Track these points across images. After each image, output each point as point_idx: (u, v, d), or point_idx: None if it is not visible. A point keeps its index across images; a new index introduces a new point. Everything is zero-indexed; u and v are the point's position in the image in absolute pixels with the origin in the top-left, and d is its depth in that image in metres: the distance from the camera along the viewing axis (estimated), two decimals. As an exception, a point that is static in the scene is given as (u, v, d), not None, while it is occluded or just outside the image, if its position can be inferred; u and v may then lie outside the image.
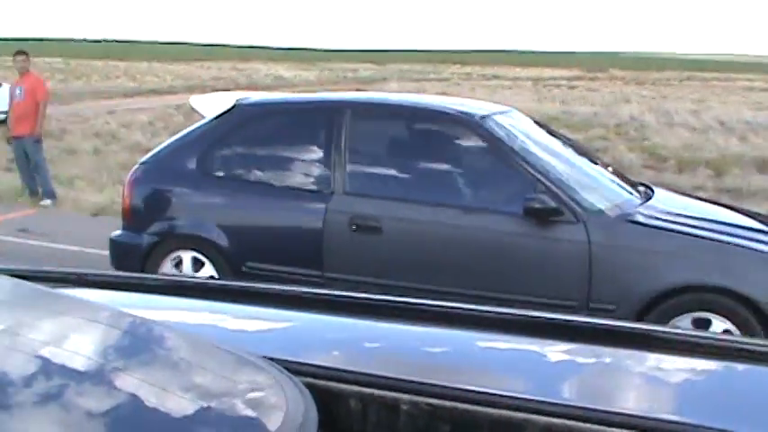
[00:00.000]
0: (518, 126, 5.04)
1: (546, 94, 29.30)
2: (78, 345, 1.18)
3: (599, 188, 4.75)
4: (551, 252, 4.38)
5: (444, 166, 4.85)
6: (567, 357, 1.52)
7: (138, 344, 1.24)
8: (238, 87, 30.47)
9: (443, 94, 25.32)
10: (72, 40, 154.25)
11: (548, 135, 5.34)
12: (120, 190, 10.41)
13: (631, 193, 4.86)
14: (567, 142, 5.50)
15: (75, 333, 1.25)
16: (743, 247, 4.24)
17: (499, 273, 4.44)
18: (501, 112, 5.14)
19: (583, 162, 5.15)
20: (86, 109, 23.13)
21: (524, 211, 4.33)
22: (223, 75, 46.04)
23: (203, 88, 27.47)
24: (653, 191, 5.11)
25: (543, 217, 4.35)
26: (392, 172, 4.90)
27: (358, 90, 26.63)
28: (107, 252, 5.45)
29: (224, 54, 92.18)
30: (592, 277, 4.27)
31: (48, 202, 9.46)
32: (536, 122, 5.54)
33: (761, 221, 4.77)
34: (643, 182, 5.54)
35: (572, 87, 35.01)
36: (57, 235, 7.96)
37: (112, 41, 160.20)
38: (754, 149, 14.53)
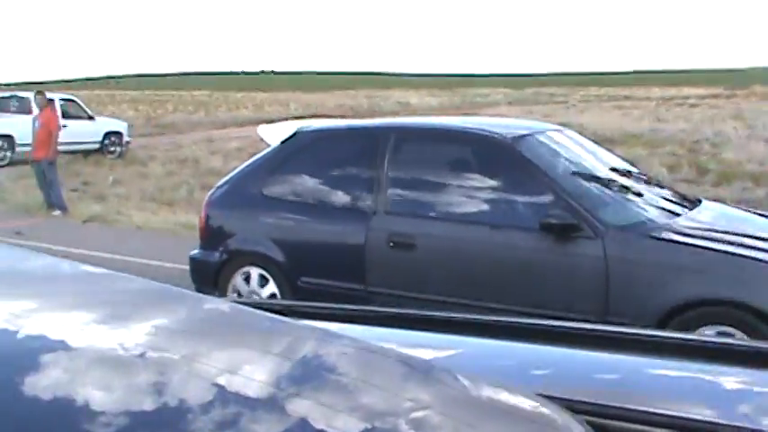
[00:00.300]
0: (560, 144, 5.33)
1: (654, 114, 28.51)
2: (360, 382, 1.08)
3: (630, 203, 4.91)
4: (571, 266, 4.57)
5: (474, 185, 5.06)
6: (740, 381, 1.50)
7: (417, 382, 1.13)
8: (356, 115, 31.49)
9: (546, 116, 25.32)
10: (230, 73, 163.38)
11: (593, 153, 5.58)
12: (155, 207, 11.86)
13: (669, 209, 4.99)
14: (614, 160, 5.70)
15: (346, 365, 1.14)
16: (761, 260, 4.25)
17: (520, 286, 4.67)
18: (542, 131, 5.43)
19: (623, 178, 5.30)
20: (188, 138, 24.78)
21: (540, 226, 4.57)
22: (350, 102, 47.49)
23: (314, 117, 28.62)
24: (698, 204, 5.26)
25: (562, 232, 4.55)
26: (427, 192, 5.19)
27: (465, 114, 27.05)
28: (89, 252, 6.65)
29: (372, 82, 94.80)
30: (608, 291, 4.43)
31: (58, 212, 11.08)
32: (590, 140, 5.90)
33: None
34: (692, 196, 5.70)
35: (693, 106, 33.73)
36: (48, 238, 9.04)
37: (270, 72, 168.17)
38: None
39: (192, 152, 19.96)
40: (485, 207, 4.95)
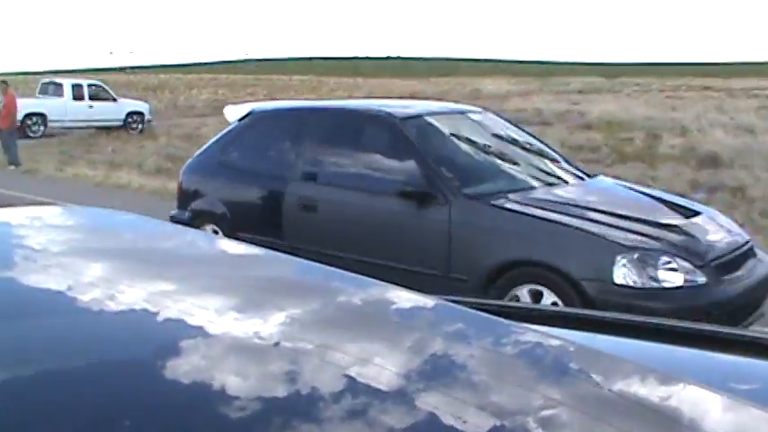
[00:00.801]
0: (457, 126, 6.24)
1: (685, 104, 28.61)
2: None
3: (493, 177, 5.66)
4: (423, 228, 5.28)
5: (363, 158, 5.95)
6: None
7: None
8: (418, 98, 32.87)
9: (574, 103, 26.24)
10: (353, 58, 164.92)
11: (498, 134, 6.39)
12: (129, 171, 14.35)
13: (547, 181, 5.71)
14: (519, 141, 6.43)
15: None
16: (578, 228, 4.78)
17: (386, 244, 5.46)
18: (440, 113, 6.39)
19: (506, 156, 6.03)
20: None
21: (400, 193, 5.34)
22: (428, 90, 48.69)
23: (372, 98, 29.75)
24: (587, 179, 6.02)
25: (418, 199, 5.29)
26: (328, 163, 6.04)
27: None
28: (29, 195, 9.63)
29: (484, 70, 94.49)
30: (450, 251, 5.09)
31: (11, 167, 15.66)
32: (509, 123, 6.81)
33: (672, 209, 5.40)
34: (589, 172, 6.36)
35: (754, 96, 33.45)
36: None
37: (396, 58, 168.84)
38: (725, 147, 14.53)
39: (209, 130, 22.16)
40: (368, 176, 5.73)
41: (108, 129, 22.59)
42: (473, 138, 6.17)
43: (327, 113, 6.69)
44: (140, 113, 23.36)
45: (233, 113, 7.13)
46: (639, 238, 4.74)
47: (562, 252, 4.74)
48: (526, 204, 5.11)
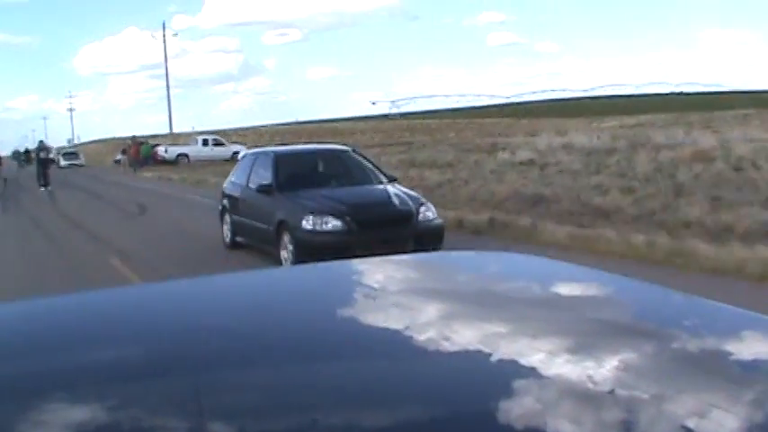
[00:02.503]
0: (315, 159, 12.12)
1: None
2: None
3: (305, 183, 10.62)
4: (265, 202, 10.63)
5: (260, 172, 11.42)
6: None
7: None
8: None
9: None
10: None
11: (344, 162, 11.80)
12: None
13: (337, 184, 10.84)
14: (354, 165, 11.71)
15: None
16: (302, 204, 9.83)
17: (256, 212, 10.93)
18: (313, 150, 13.35)
19: (333, 172, 11.39)
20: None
21: (257, 188, 10.89)
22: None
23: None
24: (387, 182, 11.00)
25: (267, 192, 10.61)
26: (251, 177, 11.56)
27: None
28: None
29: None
30: (271, 216, 10.22)
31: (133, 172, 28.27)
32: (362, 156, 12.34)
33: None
34: (390, 176, 11.50)
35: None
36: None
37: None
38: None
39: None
40: (258, 181, 11.09)
41: (221, 160, 40.10)
42: (314, 165, 11.70)
43: (257, 154, 12.85)
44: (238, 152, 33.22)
45: (242, 153, 14.48)
46: (321, 207, 9.64)
47: (290, 214, 9.84)
48: (298, 196, 10.17)
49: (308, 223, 9.48)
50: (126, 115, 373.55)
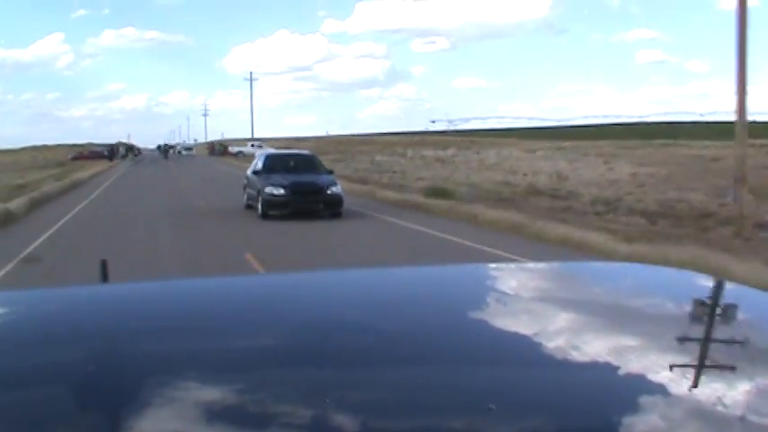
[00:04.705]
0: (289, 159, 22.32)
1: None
2: None
3: (277, 171, 20.12)
4: (254, 181, 20.69)
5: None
6: None
7: None
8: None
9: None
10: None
11: (307, 159, 22.17)
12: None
13: (297, 172, 20.21)
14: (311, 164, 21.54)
15: None
16: (263, 182, 19.50)
17: (250, 187, 21.44)
18: (291, 153, 25.13)
19: (296, 166, 20.95)
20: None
21: (253, 172, 21.27)
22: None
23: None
24: (327, 175, 20.44)
25: (257, 174, 20.48)
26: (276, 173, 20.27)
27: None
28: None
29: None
30: (258, 189, 20.10)
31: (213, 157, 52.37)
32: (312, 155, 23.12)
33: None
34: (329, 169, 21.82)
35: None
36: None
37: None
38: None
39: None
40: (255, 168, 21.23)
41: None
42: (286, 161, 21.49)
43: (262, 153, 23.07)
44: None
45: (259, 151, 25.15)
46: (275, 183, 19.39)
47: (263, 186, 19.44)
48: (269, 177, 19.76)
49: (269, 190, 18.94)
50: (272, 114, 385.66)
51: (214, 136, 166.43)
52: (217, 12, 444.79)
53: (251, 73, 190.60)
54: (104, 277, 1.96)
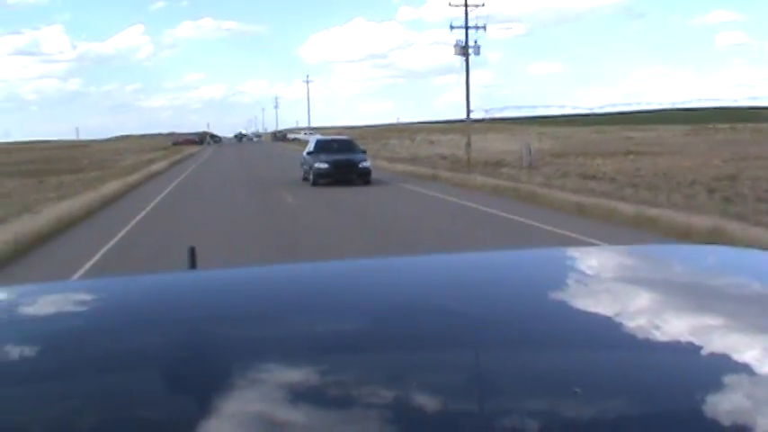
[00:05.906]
0: (333, 142, 30.49)
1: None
2: None
3: (325, 152, 27.51)
4: (306, 159, 28.27)
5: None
6: None
7: None
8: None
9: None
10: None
11: (348, 144, 30.11)
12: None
13: (341, 153, 27.84)
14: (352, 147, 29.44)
15: None
16: (315, 160, 26.88)
17: (302, 163, 30.02)
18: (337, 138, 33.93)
19: (340, 150, 28.24)
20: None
21: (308, 152, 28.66)
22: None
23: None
24: (361, 154, 28.32)
25: (308, 152, 28.29)
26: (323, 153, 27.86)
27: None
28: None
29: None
30: (309, 165, 27.91)
31: (255, 140, 64.51)
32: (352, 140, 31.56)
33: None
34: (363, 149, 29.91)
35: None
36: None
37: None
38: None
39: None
40: (308, 149, 28.78)
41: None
42: (331, 144, 29.47)
43: (315, 137, 32.91)
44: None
45: (309, 138, 36.02)
46: (321, 160, 26.86)
47: (314, 162, 26.93)
48: (318, 156, 27.32)
49: (317, 165, 26.45)
50: (349, 102, 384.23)
51: (288, 124, 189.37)
52: (293, 1, 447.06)
53: (307, 75, 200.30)
54: (192, 264, 2.08)
